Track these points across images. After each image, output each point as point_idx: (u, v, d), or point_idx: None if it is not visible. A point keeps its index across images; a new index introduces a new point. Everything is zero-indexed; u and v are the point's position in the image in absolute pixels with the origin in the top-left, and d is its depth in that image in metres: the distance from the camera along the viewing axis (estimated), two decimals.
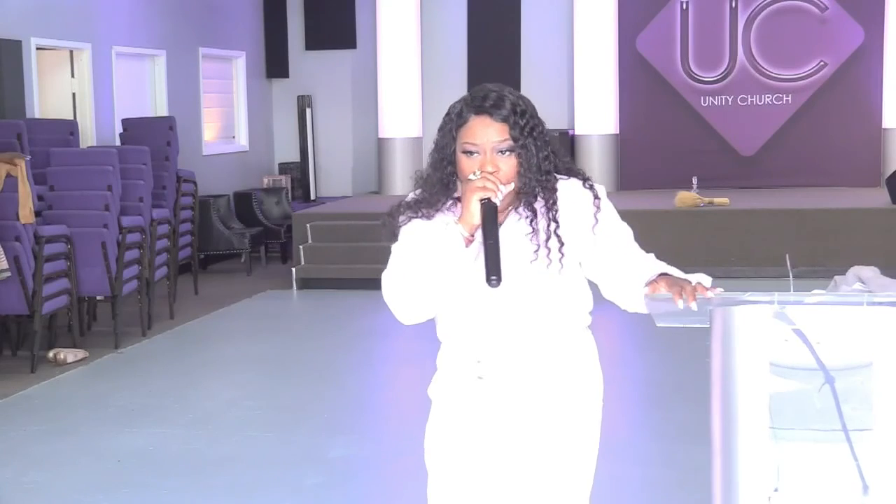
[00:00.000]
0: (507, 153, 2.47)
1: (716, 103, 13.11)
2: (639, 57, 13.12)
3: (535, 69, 13.68)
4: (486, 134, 2.46)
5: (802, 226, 10.63)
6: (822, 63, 12.86)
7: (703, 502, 2.59)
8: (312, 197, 14.02)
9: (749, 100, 13.05)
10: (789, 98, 12.97)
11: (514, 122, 2.46)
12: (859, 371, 2.35)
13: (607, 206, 2.61)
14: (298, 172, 14.27)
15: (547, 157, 2.51)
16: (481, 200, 2.41)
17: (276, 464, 5.47)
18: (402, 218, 2.55)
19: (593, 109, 12.80)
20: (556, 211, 2.51)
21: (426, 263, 2.44)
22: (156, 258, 9.05)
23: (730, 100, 13.08)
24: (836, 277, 3.55)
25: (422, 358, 8.40)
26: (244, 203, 12.73)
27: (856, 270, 3.46)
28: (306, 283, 10.73)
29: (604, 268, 2.59)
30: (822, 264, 9.50)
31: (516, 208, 2.53)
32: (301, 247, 11.00)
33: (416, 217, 2.53)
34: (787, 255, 3.60)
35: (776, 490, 2.38)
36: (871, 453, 2.35)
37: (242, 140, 13.97)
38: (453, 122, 2.50)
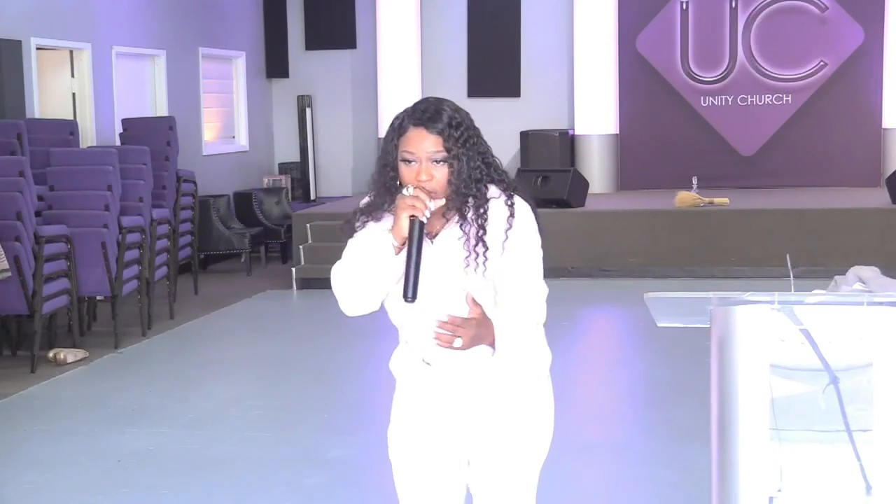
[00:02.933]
0: (441, 163, 2.64)
1: (716, 103, 13.11)
2: (639, 57, 13.12)
3: (536, 69, 13.68)
4: (422, 144, 2.64)
5: (802, 226, 10.63)
6: (822, 63, 12.86)
7: (703, 503, 2.59)
8: (312, 197, 14.02)
9: (749, 100, 13.05)
10: (789, 98, 12.97)
11: (449, 134, 2.63)
12: (862, 371, 2.35)
13: (523, 225, 2.71)
14: (298, 172, 14.27)
15: (478, 167, 2.67)
16: (410, 218, 2.58)
17: (275, 463, 5.47)
18: (357, 224, 2.79)
19: (593, 109, 12.80)
20: (486, 219, 2.67)
21: (363, 265, 2.68)
22: (156, 258, 9.05)
23: (730, 100, 13.08)
24: (837, 277, 3.55)
25: None
26: (244, 203, 12.72)
27: (856, 270, 3.46)
28: (306, 283, 10.73)
29: (499, 285, 2.73)
30: (823, 264, 9.50)
31: (452, 214, 2.70)
32: (301, 247, 11.00)
33: (369, 220, 2.75)
34: (788, 255, 3.60)
35: (779, 490, 2.38)
36: (873, 453, 2.35)
37: (242, 140, 13.97)
38: (395, 132, 2.69)
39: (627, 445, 5.71)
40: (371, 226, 2.74)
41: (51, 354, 7.73)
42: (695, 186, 11.84)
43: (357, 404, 6.71)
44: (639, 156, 13.06)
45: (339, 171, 14.46)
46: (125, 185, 8.59)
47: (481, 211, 2.67)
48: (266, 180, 14.07)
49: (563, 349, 8.55)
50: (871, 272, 3.42)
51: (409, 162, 2.65)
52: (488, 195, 2.70)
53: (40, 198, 8.22)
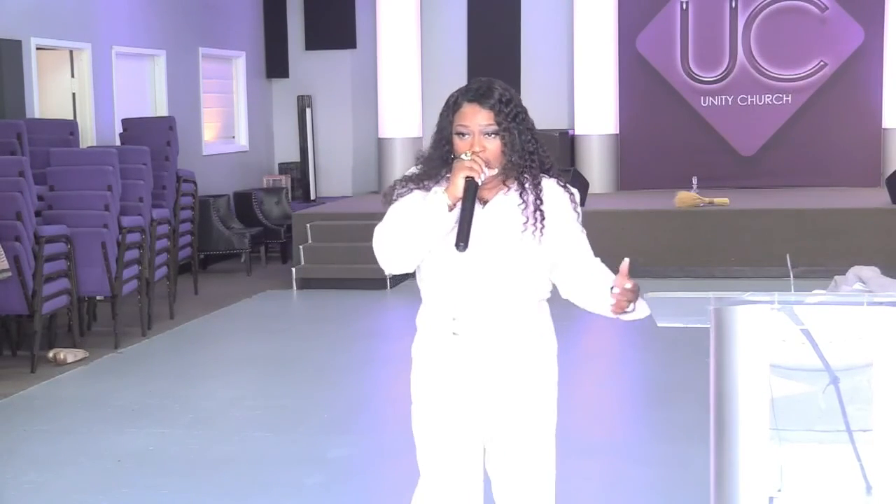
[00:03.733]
0: (493, 136, 2.88)
1: (716, 103, 13.11)
2: (639, 57, 13.12)
3: (535, 69, 13.69)
4: (475, 118, 2.89)
5: (802, 226, 10.63)
6: (822, 63, 12.86)
7: (703, 503, 2.59)
8: (312, 197, 14.02)
9: (749, 100, 13.06)
10: (789, 98, 12.97)
11: (500, 109, 2.88)
12: (862, 371, 2.35)
13: (577, 206, 3.00)
14: (298, 172, 14.27)
15: (529, 140, 2.92)
16: (466, 178, 2.81)
17: (275, 463, 5.47)
18: (403, 191, 2.97)
19: (593, 109, 12.81)
20: (541, 190, 2.92)
21: (412, 221, 2.86)
22: (156, 258, 9.04)
23: (730, 100, 13.09)
24: (837, 277, 3.56)
25: None
26: (244, 203, 12.73)
27: (856, 270, 3.46)
28: (306, 283, 10.73)
29: (567, 268, 2.97)
30: (823, 264, 9.50)
31: (509, 185, 2.94)
32: (301, 247, 11.00)
33: (417, 188, 2.95)
34: (788, 255, 3.60)
35: (779, 490, 2.38)
36: (873, 453, 2.35)
37: (242, 140, 13.97)
38: (450, 108, 2.94)
39: (627, 445, 5.71)
40: (417, 193, 2.94)
41: (51, 354, 7.73)
42: (695, 186, 11.84)
43: (357, 404, 6.71)
44: (639, 156, 13.07)
45: (339, 171, 14.46)
46: (125, 185, 8.58)
47: (536, 182, 2.92)
48: (266, 180, 14.08)
49: (562, 349, 8.52)
50: (871, 272, 3.43)
51: (463, 135, 2.89)
52: (542, 177, 2.95)
53: (40, 198, 8.22)
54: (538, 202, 2.90)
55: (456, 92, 2.96)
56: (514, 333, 2.93)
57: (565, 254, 2.94)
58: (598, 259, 2.98)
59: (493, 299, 2.90)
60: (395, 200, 2.96)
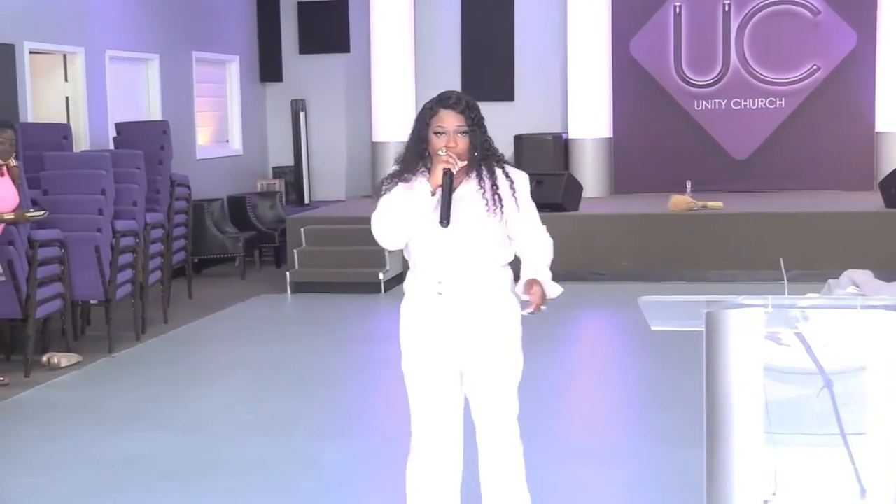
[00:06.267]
0: (463, 134, 3.69)
1: (709, 107, 13.13)
2: (632, 61, 13.14)
3: (529, 73, 13.69)
4: (450, 120, 3.70)
5: (796, 229, 10.65)
6: (815, 67, 12.88)
7: None
8: (306, 201, 14.01)
9: (742, 103, 13.07)
10: (782, 102, 12.99)
11: (468, 113, 3.71)
12: (856, 374, 2.36)
13: (525, 187, 3.80)
14: (292, 176, 14.27)
15: (486, 140, 3.75)
16: (444, 169, 3.60)
17: (270, 467, 5.47)
18: (389, 185, 3.75)
19: (587, 113, 12.80)
20: (497, 178, 3.73)
21: (401, 206, 3.67)
22: (150, 262, 9.04)
23: (723, 103, 13.10)
24: (830, 281, 3.56)
25: None
26: (238, 207, 12.71)
27: (850, 274, 3.47)
28: (300, 287, 10.72)
29: (516, 232, 3.80)
30: (816, 268, 9.51)
31: (470, 175, 3.73)
32: (295, 251, 10.99)
33: (400, 181, 3.74)
34: (781, 259, 3.62)
35: (774, 494, 2.38)
36: (867, 456, 2.35)
37: (236, 144, 13.96)
38: (427, 113, 3.75)
39: (621, 449, 5.71)
40: (401, 185, 3.71)
41: (44, 359, 7.72)
42: (688, 190, 11.85)
43: (351, 408, 6.71)
44: (632, 159, 13.07)
45: (332, 175, 14.46)
46: (119, 189, 8.57)
47: (493, 173, 3.72)
48: (260, 184, 14.07)
49: (557, 353, 8.55)
50: (864, 276, 3.44)
51: (440, 134, 3.68)
52: (495, 167, 3.75)
53: (34, 202, 8.21)
54: (494, 187, 3.70)
55: (431, 101, 3.78)
56: (485, 290, 3.72)
57: (514, 229, 3.77)
58: (544, 230, 3.83)
59: (468, 265, 3.69)
60: (384, 194, 3.72)
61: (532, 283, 3.66)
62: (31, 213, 7.41)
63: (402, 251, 3.83)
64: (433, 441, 3.78)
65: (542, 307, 3.62)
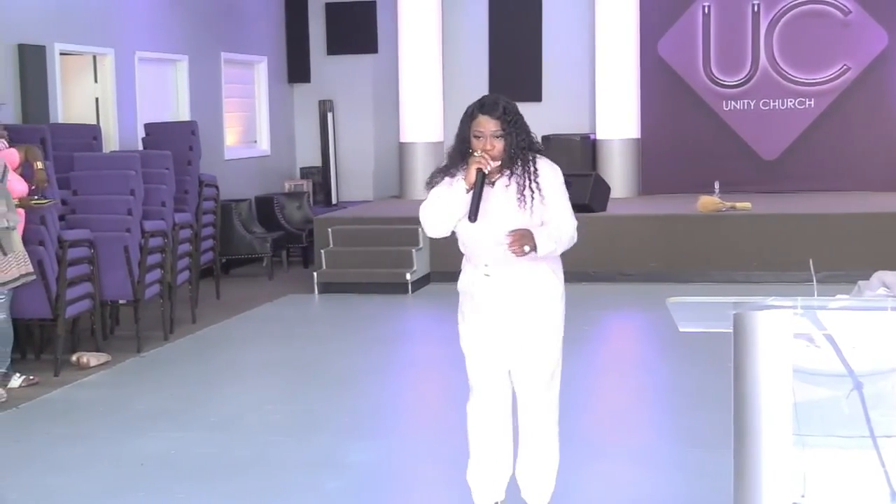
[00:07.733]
0: (499, 137, 4.13)
1: (738, 107, 13.06)
2: (660, 61, 13.09)
3: (557, 74, 13.67)
4: (487, 125, 4.14)
5: (826, 230, 10.58)
6: (845, 67, 12.79)
7: None
8: (334, 201, 14.04)
9: (771, 104, 13.00)
10: (812, 102, 12.91)
11: (504, 119, 4.14)
12: (887, 376, 2.34)
13: (557, 179, 4.25)
14: (320, 177, 14.30)
15: (524, 139, 4.17)
16: (477, 169, 4.07)
17: (296, 468, 5.48)
18: (438, 179, 4.27)
19: (615, 114, 12.76)
20: (530, 174, 4.16)
21: (443, 201, 4.19)
22: (178, 262, 9.08)
23: (752, 104, 13.03)
24: (860, 282, 3.53)
25: (441, 363, 8.40)
26: (266, 207, 12.75)
27: (880, 275, 3.44)
28: (328, 288, 10.74)
29: (546, 221, 4.20)
30: (846, 269, 9.45)
31: (504, 173, 4.17)
32: (322, 251, 11.02)
33: (447, 175, 4.24)
34: (811, 260, 3.61)
35: (803, 496, 2.36)
36: None
37: (264, 144, 14.01)
38: (469, 117, 4.19)
39: (649, 450, 5.69)
40: (446, 180, 4.22)
41: (74, 358, 7.76)
42: (717, 191, 11.79)
43: (377, 409, 6.71)
44: (660, 160, 13.02)
45: (360, 176, 14.48)
46: (148, 189, 8.62)
47: (528, 169, 4.15)
48: (287, 185, 14.11)
49: (585, 353, 8.52)
50: (895, 277, 3.40)
51: (479, 137, 4.14)
52: (531, 161, 4.18)
53: (64, 202, 8.26)
54: (528, 182, 4.14)
55: (472, 105, 4.20)
56: (526, 273, 4.19)
57: (548, 216, 4.17)
58: (571, 220, 4.23)
59: (507, 253, 4.09)
60: (433, 187, 4.25)
61: (522, 229, 4.06)
62: (37, 201, 7.42)
63: (447, 243, 4.42)
64: (484, 383, 4.32)
65: (525, 248, 4.03)
